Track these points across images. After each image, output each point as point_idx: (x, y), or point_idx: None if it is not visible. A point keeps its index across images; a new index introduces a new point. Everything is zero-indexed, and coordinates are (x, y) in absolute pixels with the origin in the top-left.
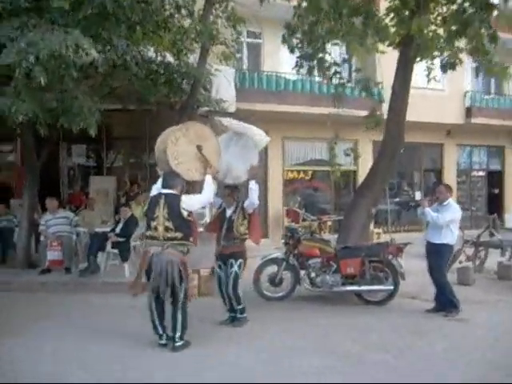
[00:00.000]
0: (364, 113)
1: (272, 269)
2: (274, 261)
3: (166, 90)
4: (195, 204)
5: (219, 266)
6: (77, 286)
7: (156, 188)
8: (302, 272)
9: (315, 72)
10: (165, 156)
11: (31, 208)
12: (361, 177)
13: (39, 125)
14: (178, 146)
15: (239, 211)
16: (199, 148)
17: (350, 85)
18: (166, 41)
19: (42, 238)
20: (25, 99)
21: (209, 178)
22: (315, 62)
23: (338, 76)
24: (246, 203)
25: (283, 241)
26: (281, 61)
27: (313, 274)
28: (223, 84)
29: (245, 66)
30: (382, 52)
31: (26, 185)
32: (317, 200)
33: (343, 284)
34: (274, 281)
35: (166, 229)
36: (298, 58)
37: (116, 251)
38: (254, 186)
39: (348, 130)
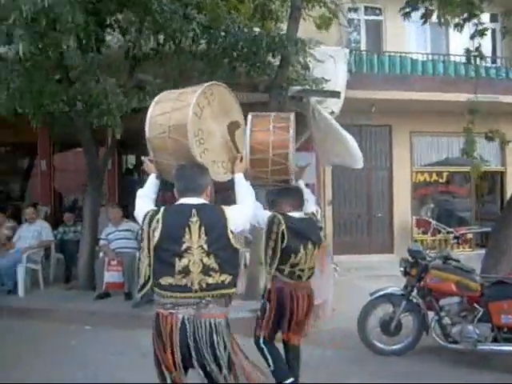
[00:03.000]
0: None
1: (386, 309)
2: (388, 298)
3: (245, 68)
4: (243, 220)
5: None
6: (130, 318)
7: (146, 195)
8: (431, 315)
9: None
10: (174, 136)
11: (94, 218)
12: (510, 179)
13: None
14: (204, 120)
15: None
16: (233, 128)
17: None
18: (249, 6)
19: (100, 255)
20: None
21: (241, 178)
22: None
23: (475, 21)
24: None
25: (402, 269)
26: (406, 40)
27: (447, 321)
28: (330, 65)
29: (363, 48)
30: None
31: (88, 191)
32: (454, 208)
33: (495, 340)
34: (389, 327)
35: (206, 270)
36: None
37: None
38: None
39: (491, 121)
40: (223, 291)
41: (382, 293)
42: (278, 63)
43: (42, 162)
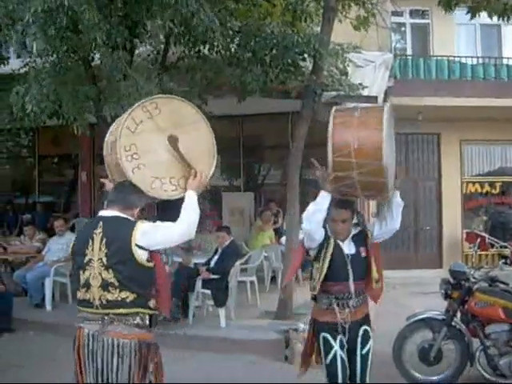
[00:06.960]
0: None
1: (424, 335)
2: (427, 323)
3: (275, 73)
4: (164, 238)
5: (341, 344)
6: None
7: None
8: (476, 343)
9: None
10: (112, 152)
11: None
12: None
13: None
14: (139, 135)
15: (370, 244)
16: (172, 140)
17: None
18: (280, 8)
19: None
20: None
21: (191, 195)
22: None
23: None
24: (380, 231)
25: (443, 291)
26: (455, 43)
27: (494, 351)
28: (369, 70)
29: (409, 53)
30: None
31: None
32: (509, 221)
33: None
34: (428, 355)
35: (104, 285)
36: None
37: (208, 292)
38: (400, 201)
39: None
40: (124, 310)
41: (420, 317)
42: (311, 68)
43: (82, 173)
